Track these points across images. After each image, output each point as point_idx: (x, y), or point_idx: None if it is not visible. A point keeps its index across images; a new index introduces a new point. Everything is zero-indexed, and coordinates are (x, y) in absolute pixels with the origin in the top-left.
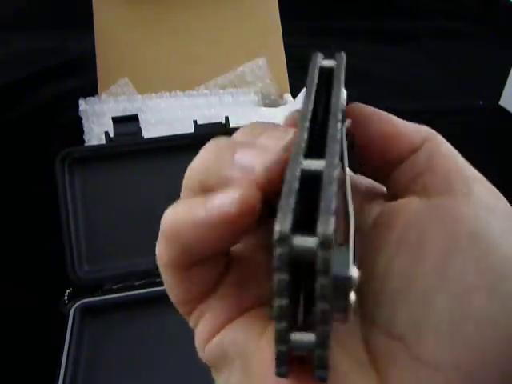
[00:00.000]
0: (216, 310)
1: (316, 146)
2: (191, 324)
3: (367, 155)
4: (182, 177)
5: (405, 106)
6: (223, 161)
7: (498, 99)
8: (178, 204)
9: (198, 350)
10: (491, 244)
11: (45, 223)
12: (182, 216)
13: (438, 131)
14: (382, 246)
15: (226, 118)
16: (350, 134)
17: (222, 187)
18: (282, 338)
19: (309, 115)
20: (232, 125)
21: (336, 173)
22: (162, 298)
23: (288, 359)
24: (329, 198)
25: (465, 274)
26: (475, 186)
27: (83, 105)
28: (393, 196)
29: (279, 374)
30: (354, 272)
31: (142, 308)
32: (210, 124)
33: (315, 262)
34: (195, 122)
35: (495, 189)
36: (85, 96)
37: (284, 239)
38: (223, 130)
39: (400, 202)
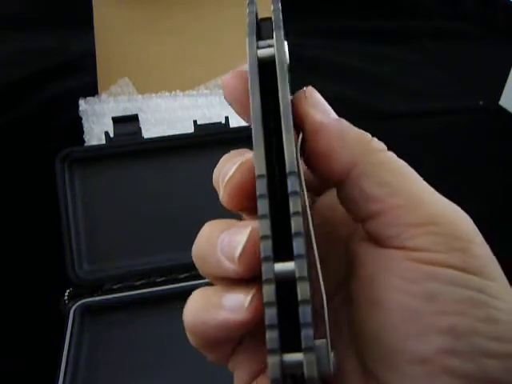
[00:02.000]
0: (241, 366)
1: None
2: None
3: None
4: (182, 176)
5: (405, 106)
6: (213, 255)
7: (498, 99)
8: (195, 295)
9: None
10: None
11: (45, 223)
12: (195, 317)
13: (438, 131)
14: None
15: (226, 118)
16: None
17: (225, 279)
18: None
19: (264, 170)
20: (232, 125)
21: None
22: (162, 297)
23: None
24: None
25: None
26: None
27: (83, 105)
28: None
29: None
30: (334, 366)
31: (142, 308)
32: (210, 124)
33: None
34: (195, 121)
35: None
36: (85, 96)
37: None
38: (223, 130)
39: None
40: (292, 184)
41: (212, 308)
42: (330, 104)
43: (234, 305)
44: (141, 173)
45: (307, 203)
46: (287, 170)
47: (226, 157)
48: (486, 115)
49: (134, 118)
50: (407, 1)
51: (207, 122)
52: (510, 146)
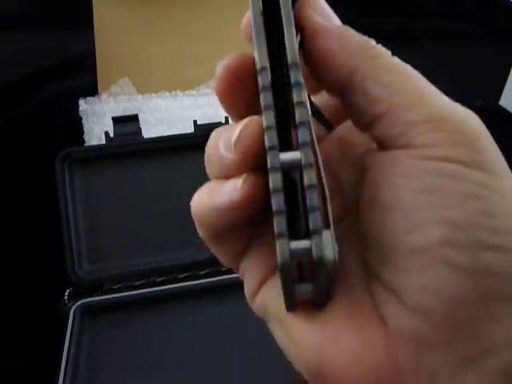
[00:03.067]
0: (250, 270)
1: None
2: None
3: (311, 63)
4: (182, 176)
5: None
6: (216, 153)
7: (498, 99)
8: (201, 189)
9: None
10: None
11: (45, 223)
12: (200, 205)
13: None
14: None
15: (226, 118)
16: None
17: (226, 174)
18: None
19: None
20: None
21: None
22: (163, 298)
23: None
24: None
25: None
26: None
27: (83, 105)
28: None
29: (289, 308)
30: (337, 255)
31: (142, 308)
32: (210, 124)
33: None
34: (195, 121)
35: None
36: (85, 96)
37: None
38: None
39: (387, 156)
40: (295, 75)
41: (213, 194)
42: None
43: (230, 188)
44: (141, 173)
45: (307, 102)
46: (289, 61)
47: (218, 129)
48: (486, 115)
49: (133, 118)
50: (407, 1)
51: (207, 122)
52: (510, 146)
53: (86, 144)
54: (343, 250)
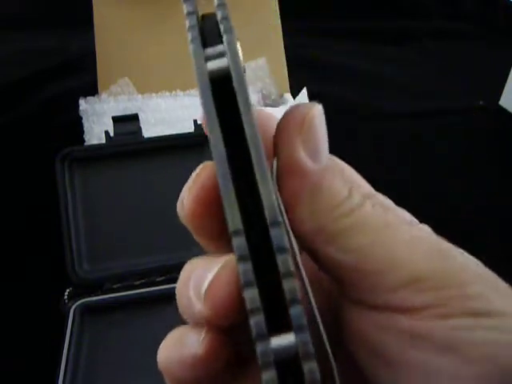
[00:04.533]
0: None
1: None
2: None
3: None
4: (182, 176)
5: (405, 106)
6: (185, 293)
7: (498, 99)
8: (168, 336)
9: None
10: None
11: (45, 223)
12: (164, 356)
13: (437, 131)
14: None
15: None
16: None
17: (193, 319)
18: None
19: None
20: None
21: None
22: (162, 297)
23: None
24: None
25: None
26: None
27: (83, 104)
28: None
29: None
30: None
31: (141, 308)
32: None
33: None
34: (195, 121)
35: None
36: (85, 96)
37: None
38: None
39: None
40: (277, 237)
41: (178, 345)
42: (331, 104)
43: (193, 340)
44: (141, 172)
45: (295, 246)
46: (268, 219)
47: (192, 261)
48: (486, 115)
49: (134, 118)
50: (407, 1)
51: None
52: (510, 146)
53: (86, 143)
54: None
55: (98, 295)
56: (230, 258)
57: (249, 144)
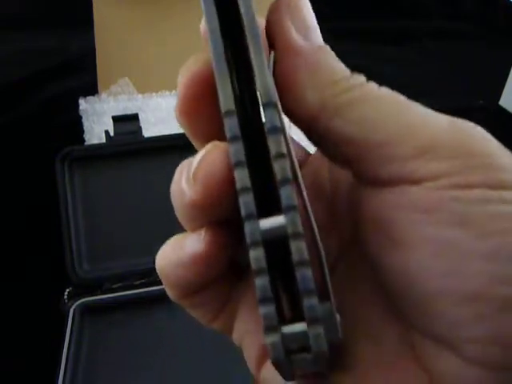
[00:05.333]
0: (247, 341)
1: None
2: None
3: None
4: None
5: None
6: (177, 188)
7: (498, 99)
8: (167, 242)
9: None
10: None
11: (45, 223)
12: (163, 260)
13: None
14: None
15: None
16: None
17: (190, 217)
18: (270, 327)
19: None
20: None
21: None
22: (162, 297)
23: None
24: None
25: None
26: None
27: (83, 104)
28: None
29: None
30: (341, 332)
31: (141, 307)
32: None
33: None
34: None
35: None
36: (85, 96)
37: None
38: None
39: (391, 194)
40: (270, 118)
41: (176, 248)
42: None
43: (192, 241)
44: (141, 172)
45: (290, 145)
46: (262, 99)
47: (184, 161)
48: (486, 115)
49: (134, 117)
50: (407, 1)
51: None
52: (510, 146)
53: (86, 143)
54: (352, 303)
55: (97, 295)
56: (219, 142)
57: (245, 26)
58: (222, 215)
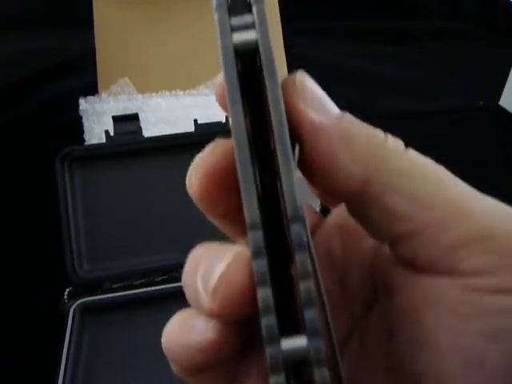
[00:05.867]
0: None
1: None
2: None
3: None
4: (182, 176)
5: (405, 106)
6: (192, 282)
7: (498, 99)
8: (173, 318)
9: None
10: None
11: (45, 223)
12: (169, 339)
13: (438, 131)
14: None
15: (227, 118)
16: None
17: (201, 308)
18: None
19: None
20: None
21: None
22: (162, 297)
23: None
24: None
25: None
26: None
27: (83, 104)
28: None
29: None
30: None
31: (141, 307)
32: (210, 123)
33: None
34: (196, 121)
35: None
36: (85, 96)
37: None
38: (223, 129)
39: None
40: (298, 234)
41: (184, 329)
42: None
43: (202, 326)
44: (141, 172)
45: (309, 234)
46: (289, 212)
47: (199, 249)
48: (486, 115)
49: (134, 117)
50: (407, 1)
51: (207, 122)
52: (510, 146)
53: (86, 143)
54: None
55: (97, 295)
56: (242, 250)
57: (273, 124)
58: (239, 318)
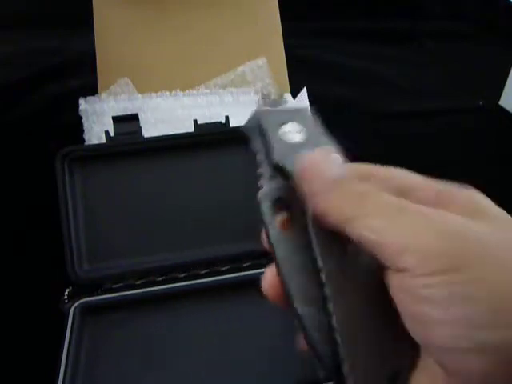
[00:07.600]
0: None
1: None
2: None
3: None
4: (182, 176)
5: (405, 106)
6: None
7: (498, 99)
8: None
9: None
10: None
11: (45, 223)
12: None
13: (438, 131)
14: None
15: (227, 118)
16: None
17: None
18: None
19: None
20: (232, 124)
21: None
22: (162, 297)
23: None
24: None
25: None
26: None
27: (83, 104)
28: None
29: None
30: None
31: (141, 307)
32: (210, 123)
33: None
34: (195, 121)
35: None
36: (85, 96)
37: None
38: (223, 129)
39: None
40: None
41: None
42: (331, 104)
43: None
44: (141, 172)
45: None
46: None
47: None
48: (486, 115)
49: (134, 118)
50: (407, 1)
51: (207, 122)
52: (510, 146)
53: (86, 143)
54: None
55: (98, 295)
56: None
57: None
58: None
